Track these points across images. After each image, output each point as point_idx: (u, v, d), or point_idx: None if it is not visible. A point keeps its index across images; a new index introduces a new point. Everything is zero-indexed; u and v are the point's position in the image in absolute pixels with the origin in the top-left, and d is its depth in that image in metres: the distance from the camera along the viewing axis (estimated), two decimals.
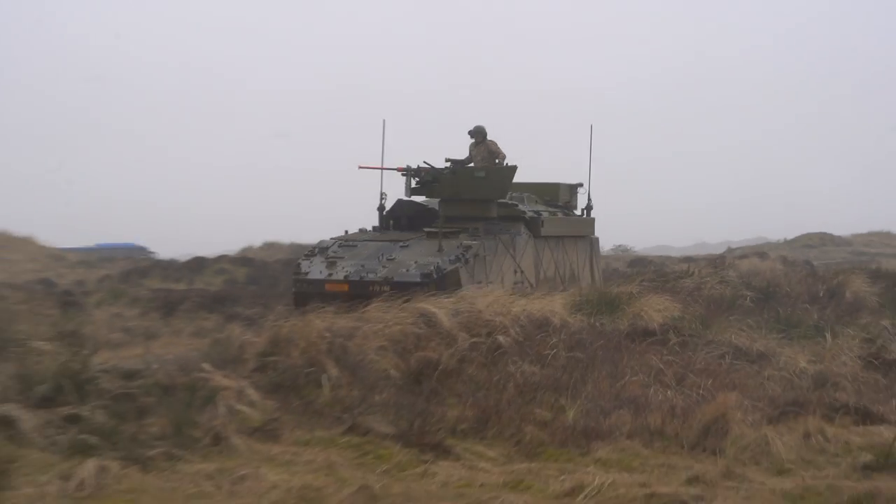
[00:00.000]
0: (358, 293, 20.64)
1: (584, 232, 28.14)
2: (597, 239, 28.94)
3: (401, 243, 22.88)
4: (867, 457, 11.26)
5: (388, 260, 22.12)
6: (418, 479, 10.35)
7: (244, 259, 41.05)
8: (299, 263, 23.18)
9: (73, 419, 11.58)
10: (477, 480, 10.24)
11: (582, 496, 9.60)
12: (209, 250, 42.17)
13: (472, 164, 24.80)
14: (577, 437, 11.68)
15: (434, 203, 25.11)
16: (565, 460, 10.97)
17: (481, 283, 21.73)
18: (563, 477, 10.15)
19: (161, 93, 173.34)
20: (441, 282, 20.95)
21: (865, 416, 13.04)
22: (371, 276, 21.60)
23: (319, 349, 14.64)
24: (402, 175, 24.47)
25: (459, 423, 12.16)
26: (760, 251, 40.65)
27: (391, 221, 24.71)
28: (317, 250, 23.38)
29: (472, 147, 24.95)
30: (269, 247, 49.21)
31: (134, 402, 12.25)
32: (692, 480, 10.14)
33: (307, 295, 21.48)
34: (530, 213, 25.23)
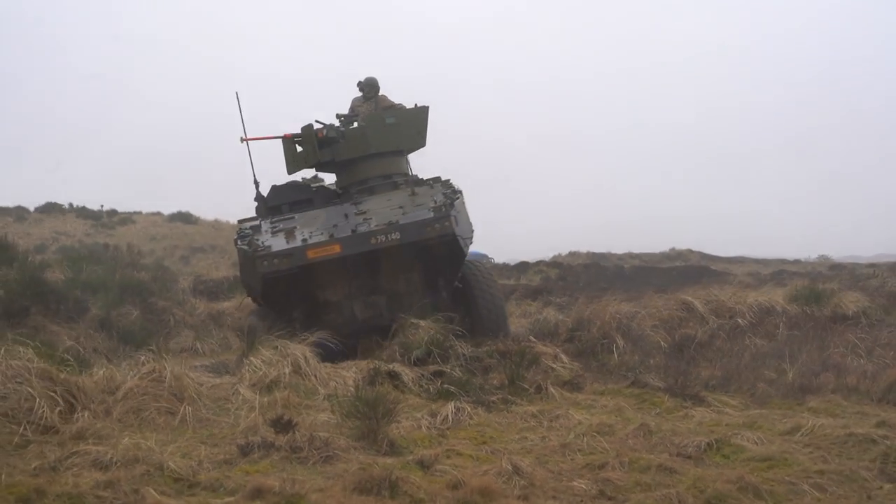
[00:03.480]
0: (355, 250, 13.02)
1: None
2: None
3: (349, 203, 14.33)
4: None
5: (358, 215, 13.66)
6: (681, 420, 10.33)
7: (555, 263, 40.98)
8: (248, 241, 13.49)
9: (438, 374, 11.90)
10: (723, 421, 10.18)
11: (799, 434, 9.43)
12: (529, 256, 42.11)
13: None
14: (795, 392, 11.47)
15: (321, 182, 16.09)
16: (786, 408, 10.76)
17: (467, 240, 14.12)
18: (784, 420, 10.01)
19: None
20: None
21: None
22: (364, 227, 13.18)
23: (611, 326, 14.62)
24: (295, 142, 15.18)
25: (710, 381, 12.04)
26: None
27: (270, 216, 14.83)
28: (248, 229, 13.99)
29: (359, 104, 15.76)
30: (573, 255, 48.01)
31: (480, 362, 12.55)
32: (880, 424, 9.79)
33: (279, 276, 12.99)
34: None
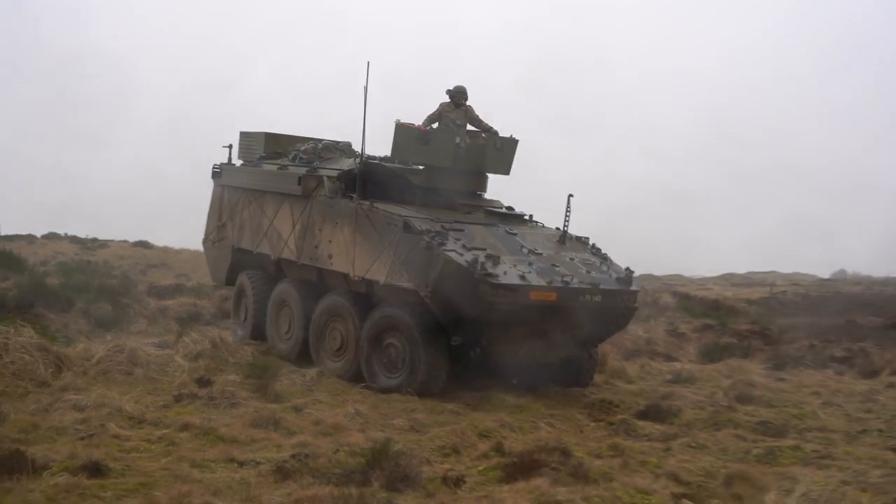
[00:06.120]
0: (567, 304, 9.08)
1: None
2: None
3: (497, 227, 10.01)
4: (669, 376, 11.15)
5: (531, 254, 9.53)
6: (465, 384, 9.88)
7: None
8: (473, 261, 8.72)
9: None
10: (492, 385, 9.71)
11: (538, 392, 9.54)
12: None
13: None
14: None
15: (407, 170, 10.76)
16: None
17: None
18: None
19: None
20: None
21: (669, 358, 12.80)
22: (570, 280, 9.21)
23: None
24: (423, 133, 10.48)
25: None
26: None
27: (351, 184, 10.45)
28: (437, 232, 9.13)
29: (449, 110, 10.79)
30: None
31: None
32: (592, 386, 10.11)
33: (500, 307, 8.69)
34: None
